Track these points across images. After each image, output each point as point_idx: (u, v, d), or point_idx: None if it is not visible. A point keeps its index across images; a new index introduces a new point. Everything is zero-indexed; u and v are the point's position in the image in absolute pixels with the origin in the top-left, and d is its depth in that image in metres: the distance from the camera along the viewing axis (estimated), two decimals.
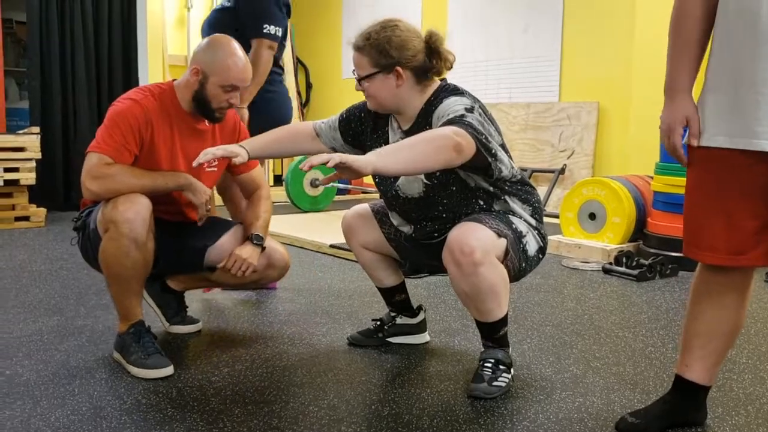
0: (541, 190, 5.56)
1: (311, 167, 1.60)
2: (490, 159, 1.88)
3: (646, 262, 3.55)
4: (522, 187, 2.05)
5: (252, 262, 2.23)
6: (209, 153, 1.93)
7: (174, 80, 2.23)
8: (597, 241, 4.10)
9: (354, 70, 2.01)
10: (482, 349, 2.07)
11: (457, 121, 1.81)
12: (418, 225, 2.11)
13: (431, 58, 1.96)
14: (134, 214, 1.97)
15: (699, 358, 1.75)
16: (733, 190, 1.57)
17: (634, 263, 3.60)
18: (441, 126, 1.82)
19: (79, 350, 2.25)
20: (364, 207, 2.30)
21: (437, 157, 1.70)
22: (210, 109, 2.15)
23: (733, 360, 2.30)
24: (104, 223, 2.02)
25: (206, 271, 2.36)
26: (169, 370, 2.04)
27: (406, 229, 2.16)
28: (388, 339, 2.40)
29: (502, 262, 1.93)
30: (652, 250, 3.81)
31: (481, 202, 2.01)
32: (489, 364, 2.01)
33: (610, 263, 3.71)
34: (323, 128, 2.19)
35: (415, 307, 2.41)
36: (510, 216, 2.02)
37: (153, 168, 2.12)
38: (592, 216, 4.16)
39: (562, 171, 5.49)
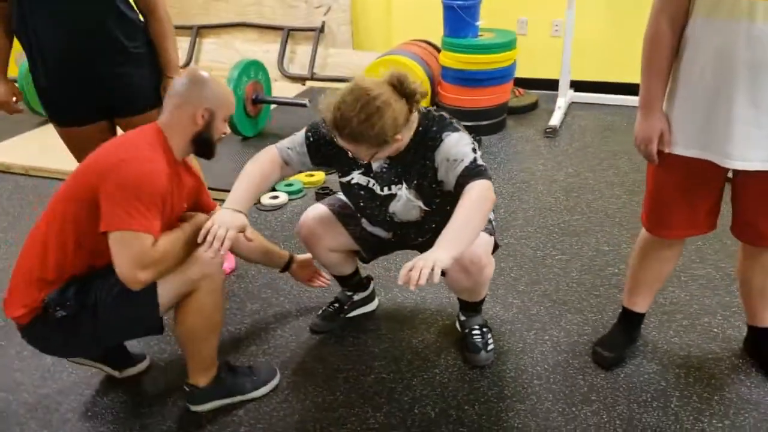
0: (304, 51, 5.53)
1: (417, 287, 1.63)
2: None
3: None
4: None
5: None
6: (220, 238, 1.81)
7: (156, 125, 1.92)
8: None
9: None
10: (462, 318, 2.36)
11: (478, 172, 1.88)
12: (399, 232, 2.20)
13: (410, 103, 1.88)
14: (217, 260, 1.89)
15: (645, 297, 2.27)
16: (697, 188, 1.98)
17: None
18: (460, 176, 1.88)
19: None
20: (323, 210, 2.27)
21: (485, 219, 1.84)
22: (213, 144, 1.97)
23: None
24: (189, 284, 1.88)
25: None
26: (278, 376, 2.20)
27: (384, 234, 2.23)
28: (347, 316, 2.53)
29: (492, 253, 2.17)
30: None
31: None
32: (477, 331, 2.32)
33: None
34: (291, 155, 2.08)
35: (365, 281, 2.54)
36: None
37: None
38: None
39: (321, 29, 5.47)
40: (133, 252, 1.72)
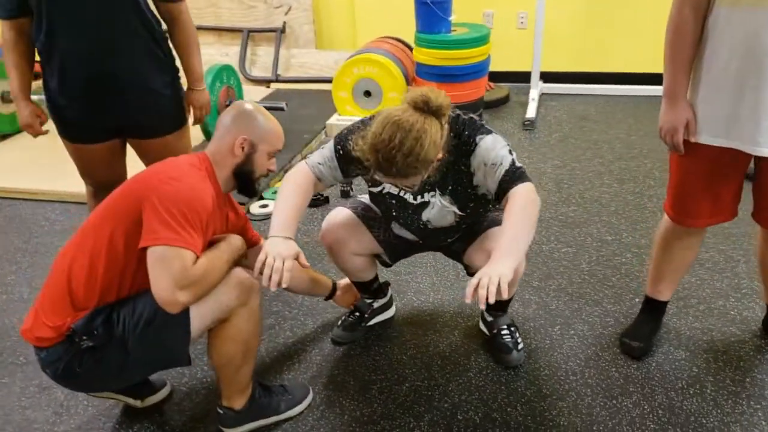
0: (265, 52, 5.41)
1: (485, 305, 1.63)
2: None
3: None
4: None
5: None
6: (278, 271, 1.74)
7: (204, 154, 1.84)
8: None
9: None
10: (489, 318, 2.34)
11: (520, 175, 1.85)
12: (429, 236, 2.15)
13: (440, 119, 1.78)
14: (255, 285, 1.82)
15: (669, 285, 2.29)
16: (722, 176, 2.01)
17: None
18: (502, 180, 1.85)
19: None
20: (348, 213, 2.21)
21: (535, 223, 1.82)
22: (253, 180, 1.89)
23: None
24: (225, 312, 1.78)
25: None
26: (311, 393, 2.13)
27: (411, 237, 2.18)
28: (368, 324, 2.48)
29: None
30: None
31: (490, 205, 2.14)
32: (506, 331, 2.30)
33: None
34: (323, 171, 2.00)
35: (384, 287, 2.49)
36: None
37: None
38: (368, 93, 4.33)
39: (282, 30, 5.36)
40: (173, 270, 1.62)
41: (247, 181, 1.89)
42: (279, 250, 1.76)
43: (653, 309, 2.34)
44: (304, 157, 2.06)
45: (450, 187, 1.98)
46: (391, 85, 4.26)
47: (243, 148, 1.84)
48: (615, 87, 4.74)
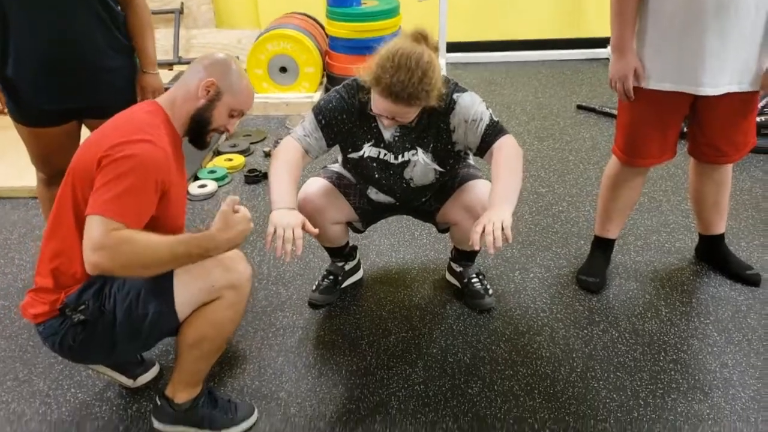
0: (164, 35, 5.23)
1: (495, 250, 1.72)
2: None
3: None
4: None
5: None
6: (289, 240, 1.76)
7: (157, 104, 1.75)
8: (297, 92, 4.35)
9: (382, 114, 1.91)
10: (458, 269, 2.47)
11: (500, 129, 1.99)
12: (407, 197, 2.24)
13: (437, 54, 1.91)
14: (246, 270, 1.75)
15: (616, 224, 2.52)
16: (669, 118, 2.24)
17: None
18: (485, 134, 1.98)
19: None
20: (324, 183, 2.24)
21: (522, 171, 1.95)
22: (205, 131, 1.78)
23: None
24: (212, 292, 1.70)
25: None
26: (255, 414, 1.97)
27: (388, 200, 2.26)
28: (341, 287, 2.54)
29: None
30: None
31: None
32: (475, 279, 2.44)
33: None
34: (310, 143, 2.04)
35: (352, 251, 2.56)
36: None
37: (163, 216, 1.71)
38: (283, 69, 4.33)
39: (180, 10, 5.20)
40: (92, 234, 1.53)
41: (200, 130, 1.78)
42: (288, 221, 1.78)
43: (603, 247, 2.56)
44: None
45: (431, 145, 2.07)
46: (306, 60, 4.28)
47: (208, 91, 1.73)
48: (517, 53, 5.01)
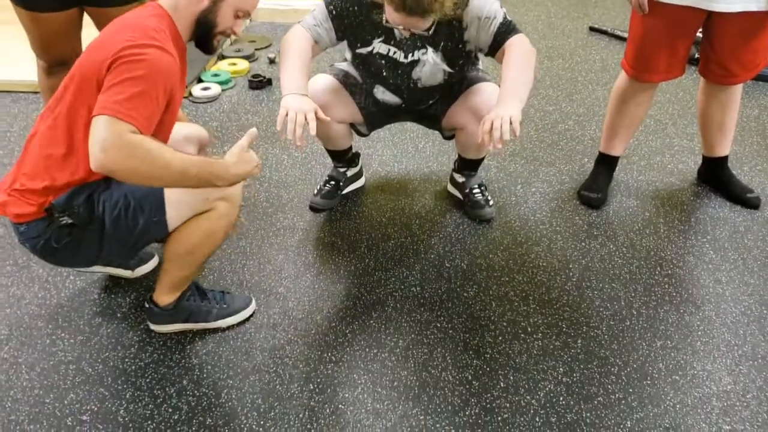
0: None
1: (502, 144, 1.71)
2: None
3: None
4: None
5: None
6: (302, 124, 1.75)
7: (160, 6, 1.66)
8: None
9: (397, 24, 1.88)
10: (461, 179, 2.46)
11: (513, 27, 1.96)
12: (414, 98, 2.21)
13: None
14: (239, 183, 1.71)
15: (621, 141, 2.51)
16: (679, 33, 2.19)
17: None
18: (497, 33, 1.95)
19: None
20: (330, 79, 2.21)
21: (533, 70, 1.91)
22: (212, 34, 1.72)
23: None
24: (205, 203, 1.69)
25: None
26: (252, 304, 1.99)
27: (395, 100, 2.23)
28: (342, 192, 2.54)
29: None
30: None
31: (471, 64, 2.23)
32: (476, 190, 2.44)
33: None
34: (321, 33, 2.01)
35: (355, 156, 2.55)
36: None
37: (160, 123, 1.68)
38: None
39: None
40: (101, 134, 1.47)
41: (206, 33, 1.72)
42: (300, 105, 1.77)
43: (607, 163, 2.55)
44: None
45: (442, 44, 2.03)
46: None
47: None
48: None
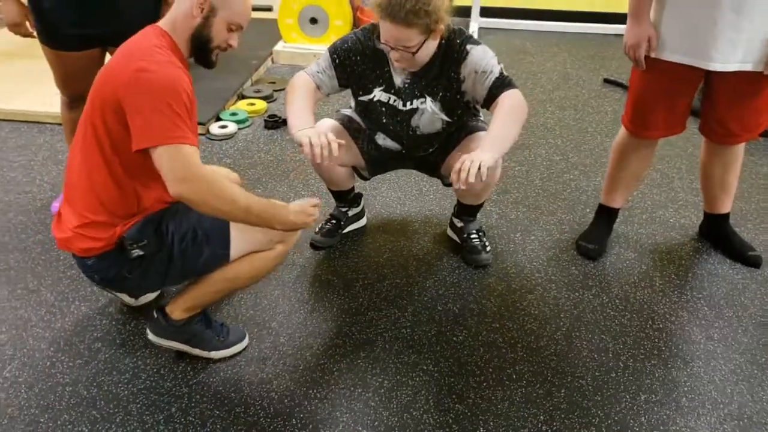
0: None
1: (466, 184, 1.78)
2: None
3: None
4: None
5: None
6: (326, 145, 1.86)
7: (159, 28, 1.75)
8: (326, 45, 4.37)
9: (388, 42, 1.94)
10: (459, 224, 2.51)
11: (508, 82, 2.02)
12: (414, 144, 2.28)
13: None
14: (296, 233, 1.91)
15: (622, 194, 2.53)
16: (678, 91, 2.23)
17: None
18: (492, 86, 2.01)
19: None
20: (334, 124, 2.29)
21: (521, 125, 1.97)
22: (208, 49, 1.78)
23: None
24: (267, 244, 1.84)
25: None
26: (245, 339, 2.05)
27: (395, 146, 2.30)
28: (343, 232, 2.60)
29: None
30: None
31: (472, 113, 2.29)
32: (474, 235, 2.48)
33: None
34: (323, 79, 2.11)
35: (358, 197, 2.61)
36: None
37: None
38: (314, 20, 4.35)
39: None
40: (172, 166, 1.58)
41: (203, 49, 1.77)
42: (317, 131, 1.87)
43: (607, 215, 2.58)
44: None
45: (440, 94, 2.10)
46: (336, 12, 4.29)
47: (202, 9, 1.71)
48: (550, 23, 4.96)
